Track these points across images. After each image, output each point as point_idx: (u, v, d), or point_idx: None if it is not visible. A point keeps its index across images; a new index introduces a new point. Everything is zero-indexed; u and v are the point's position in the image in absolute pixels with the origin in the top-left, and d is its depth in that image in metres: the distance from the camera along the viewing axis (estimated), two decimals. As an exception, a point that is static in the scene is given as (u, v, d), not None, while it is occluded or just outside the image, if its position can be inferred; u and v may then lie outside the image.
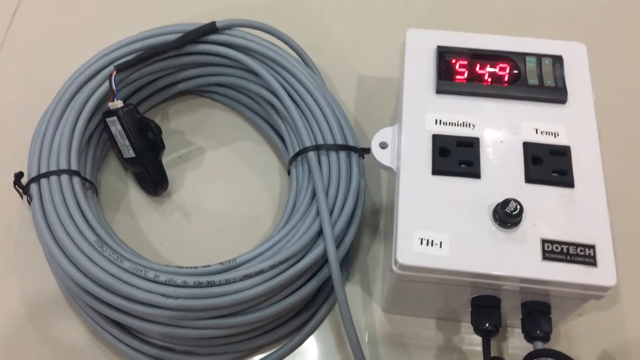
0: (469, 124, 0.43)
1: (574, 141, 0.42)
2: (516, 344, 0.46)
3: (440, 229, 0.39)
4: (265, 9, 0.62)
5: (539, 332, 0.40)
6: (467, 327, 0.46)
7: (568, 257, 0.38)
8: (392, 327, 0.47)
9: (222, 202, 0.52)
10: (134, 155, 0.50)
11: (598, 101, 0.44)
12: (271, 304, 0.43)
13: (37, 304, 0.47)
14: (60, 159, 0.46)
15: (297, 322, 0.46)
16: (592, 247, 0.38)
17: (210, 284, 0.41)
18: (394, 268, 0.39)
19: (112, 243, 0.44)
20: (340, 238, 0.45)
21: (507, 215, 0.38)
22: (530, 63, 0.45)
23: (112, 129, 0.49)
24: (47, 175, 0.46)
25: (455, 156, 0.41)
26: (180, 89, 0.55)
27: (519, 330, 0.42)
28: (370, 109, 0.57)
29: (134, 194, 0.52)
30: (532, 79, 0.44)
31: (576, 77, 0.45)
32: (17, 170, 0.48)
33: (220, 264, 0.42)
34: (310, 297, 0.46)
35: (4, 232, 0.50)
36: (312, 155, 0.47)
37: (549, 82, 0.44)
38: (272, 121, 0.53)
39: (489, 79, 0.44)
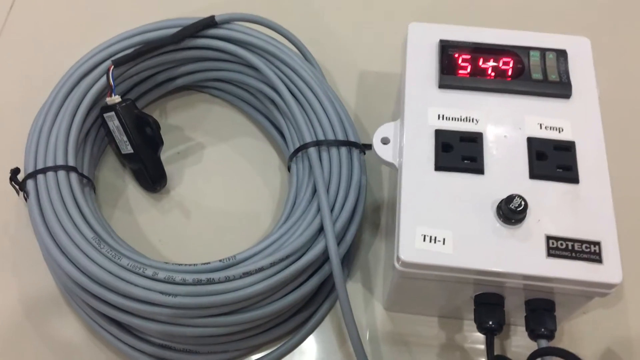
0: (472, 119, 0.42)
1: (579, 136, 0.42)
2: (520, 342, 0.45)
3: (443, 226, 0.39)
4: (265, 2, 0.62)
5: (543, 330, 0.40)
6: (469, 325, 0.45)
7: (573, 254, 0.38)
8: (393, 325, 0.46)
9: (222, 199, 0.52)
10: (132, 151, 0.49)
11: (602, 96, 0.44)
12: (271, 302, 0.42)
13: (34, 302, 0.47)
14: (57, 155, 0.46)
15: (297, 320, 0.45)
16: (598, 243, 0.38)
17: (210, 282, 0.40)
18: (397, 265, 0.38)
19: (110, 240, 0.44)
20: (342, 235, 0.45)
21: (511, 212, 0.38)
22: (534, 57, 0.44)
23: (110, 124, 0.49)
24: (44, 171, 0.45)
25: (459, 152, 0.41)
26: (179, 84, 0.55)
27: (522, 328, 0.41)
28: (371, 105, 0.56)
29: (132, 191, 0.52)
30: (536, 74, 0.44)
31: (580, 71, 0.44)
32: (13, 166, 0.48)
33: (220, 261, 0.42)
34: (311, 295, 0.46)
35: (0, 229, 0.50)
36: (312, 151, 0.46)
37: (553, 76, 0.44)
38: (272, 116, 0.53)
39: (492, 74, 0.44)
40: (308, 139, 0.47)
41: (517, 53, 0.44)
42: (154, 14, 0.54)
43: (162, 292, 0.40)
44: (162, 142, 0.49)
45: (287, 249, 0.42)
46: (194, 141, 0.55)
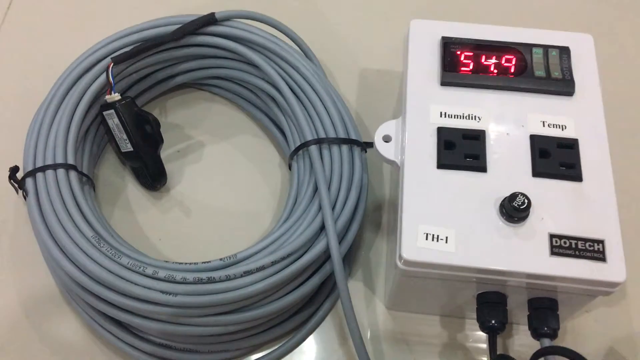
0: (475, 117, 0.42)
1: (582, 134, 0.42)
2: (522, 340, 0.45)
3: (445, 224, 0.38)
4: (265, 0, 0.61)
5: (546, 328, 0.39)
6: (472, 324, 0.45)
7: (577, 253, 0.38)
8: (395, 324, 0.46)
9: (222, 197, 0.51)
10: (131, 149, 0.49)
11: (605, 93, 0.43)
12: (272, 301, 0.42)
13: (34, 301, 0.47)
14: (56, 153, 0.46)
15: (299, 319, 0.45)
16: (601, 242, 0.38)
17: (211, 281, 0.40)
18: (399, 264, 0.38)
19: (110, 239, 0.43)
20: (343, 234, 0.44)
21: (514, 210, 0.37)
22: (537, 54, 0.44)
23: (110, 122, 0.49)
24: (43, 169, 0.45)
25: (461, 149, 0.41)
26: (179, 81, 0.55)
27: (525, 327, 0.41)
28: (372, 102, 0.56)
29: (132, 189, 0.52)
30: (539, 71, 0.43)
31: (583, 68, 0.44)
32: (12, 165, 0.47)
33: (221, 260, 0.42)
34: (312, 294, 0.45)
35: None
36: (313, 149, 0.46)
37: (556, 73, 0.43)
38: (273, 114, 0.52)
39: (495, 71, 0.44)
40: (309, 137, 0.47)
41: (520, 50, 0.44)
42: (154, 11, 0.54)
43: (162, 291, 0.40)
44: (162, 140, 0.49)
45: (288, 248, 0.41)
46: (194, 139, 0.54)
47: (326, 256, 0.44)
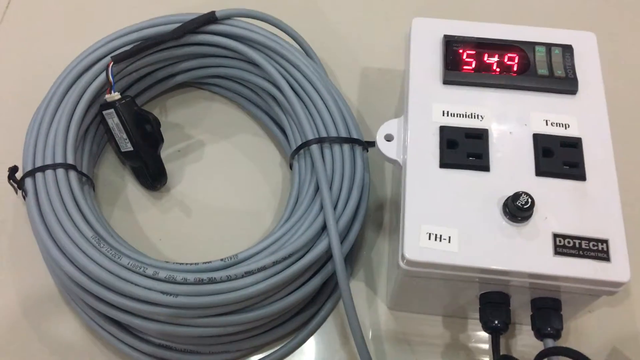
0: (477, 115, 0.42)
1: (586, 133, 0.41)
2: (525, 341, 0.45)
3: (448, 224, 0.38)
4: (266, -1, 0.61)
5: (549, 329, 0.39)
6: (474, 324, 0.45)
7: (580, 252, 0.37)
8: (397, 325, 0.46)
9: (223, 197, 0.51)
10: (131, 149, 0.49)
11: (608, 91, 0.43)
12: (274, 301, 0.42)
13: (33, 302, 0.46)
14: (56, 153, 0.45)
15: (300, 320, 0.45)
16: (605, 241, 0.38)
17: (211, 281, 0.40)
18: (401, 264, 0.38)
19: (110, 239, 0.43)
20: (345, 233, 0.44)
21: (517, 209, 0.37)
22: (540, 53, 0.44)
23: (110, 121, 0.48)
24: (43, 169, 0.45)
25: (464, 148, 0.40)
26: (179, 80, 0.54)
27: (528, 327, 0.41)
28: (373, 101, 0.56)
29: (132, 189, 0.51)
30: (542, 69, 0.43)
31: (586, 67, 0.44)
32: (11, 164, 0.47)
33: (222, 260, 0.41)
34: (313, 294, 0.45)
35: (-1, 228, 0.49)
36: (315, 148, 0.46)
37: (559, 72, 0.43)
38: (274, 113, 0.52)
39: (498, 69, 0.43)
40: (310, 136, 0.47)
41: (523, 48, 0.44)
42: (154, 9, 0.54)
43: (162, 292, 0.39)
44: (162, 140, 0.49)
45: (290, 248, 0.41)
46: (194, 139, 0.54)
47: (328, 256, 0.43)
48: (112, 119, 0.48)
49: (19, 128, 0.49)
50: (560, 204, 0.39)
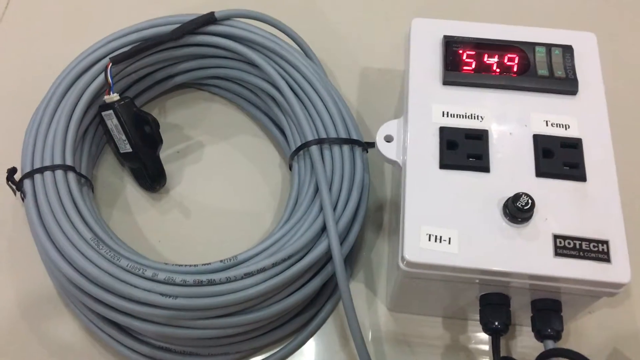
0: (477, 116, 0.42)
1: (586, 133, 0.41)
2: (526, 342, 0.45)
3: (448, 225, 0.38)
4: (265, -1, 0.61)
5: (549, 330, 0.39)
6: (474, 326, 0.45)
7: (581, 253, 0.37)
8: (397, 326, 0.46)
9: (222, 198, 0.51)
10: (130, 150, 0.48)
11: (608, 92, 0.43)
12: (273, 303, 0.42)
13: (31, 304, 0.46)
14: (54, 154, 0.45)
15: (300, 321, 0.45)
16: (606, 242, 0.38)
17: (211, 283, 0.40)
18: (401, 265, 0.38)
19: (109, 241, 0.43)
20: (344, 235, 0.44)
21: (518, 210, 0.37)
22: (540, 53, 0.44)
23: (108, 123, 0.48)
24: (41, 170, 0.45)
25: (464, 149, 0.40)
26: (178, 81, 0.54)
27: (528, 329, 0.41)
28: (373, 102, 0.56)
29: (131, 190, 0.51)
30: (542, 70, 0.43)
31: (587, 67, 0.44)
32: (10, 166, 0.47)
33: (221, 261, 0.41)
34: (313, 296, 0.45)
35: (-3, 229, 0.49)
36: (314, 149, 0.46)
37: (559, 72, 0.43)
38: (273, 114, 0.52)
39: (498, 70, 0.43)
40: (310, 137, 0.47)
41: (523, 49, 0.44)
42: (153, 10, 0.54)
43: (162, 294, 0.39)
44: (161, 141, 0.49)
45: (289, 249, 0.41)
46: (193, 140, 0.54)
47: (327, 257, 0.43)
48: (111, 120, 0.48)
49: (18, 129, 0.49)
50: (560, 205, 0.39)
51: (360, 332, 0.41)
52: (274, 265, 0.41)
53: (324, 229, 0.43)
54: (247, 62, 0.51)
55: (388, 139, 0.43)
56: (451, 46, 0.44)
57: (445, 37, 0.45)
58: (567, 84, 0.43)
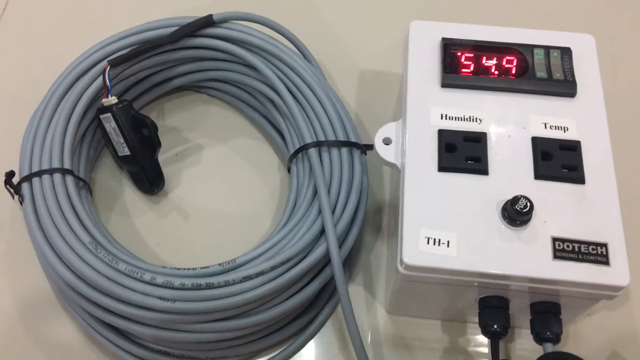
0: (476, 119, 0.42)
1: (584, 136, 0.41)
2: (525, 345, 0.45)
3: (447, 228, 0.38)
4: (264, 1, 0.61)
5: (548, 333, 0.39)
6: (473, 328, 0.45)
7: (580, 256, 0.37)
8: (396, 329, 0.46)
9: (221, 201, 0.51)
10: (129, 153, 0.48)
11: (607, 94, 0.43)
12: (272, 306, 0.42)
13: (30, 307, 0.46)
14: (52, 157, 0.45)
15: (299, 325, 0.45)
16: (605, 245, 0.37)
17: (209, 286, 0.39)
18: (400, 268, 0.38)
19: (107, 244, 0.43)
20: (343, 237, 0.44)
21: (516, 213, 0.37)
22: (539, 55, 0.44)
23: (107, 126, 0.48)
24: (39, 174, 0.44)
25: (462, 152, 0.40)
26: (177, 84, 0.54)
27: (527, 331, 0.41)
28: (371, 104, 0.56)
29: (129, 193, 0.51)
30: (541, 72, 0.43)
31: (585, 69, 0.44)
32: (8, 169, 0.47)
33: (219, 265, 0.41)
34: (312, 299, 0.45)
35: (-5, 233, 0.49)
36: (313, 151, 0.46)
37: (557, 74, 0.43)
38: (271, 117, 0.52)
39: (496, 72, 0.43)
40: (308, 140, 0.46)
41: (521, 51, 0.44)
42: (151, 13, 0.53)
43: (160, 297, 0.39)
44: (159, 144, 0.49)
45: (288, 252, 0.41)
46: (192, 142, 0.54)
47: (326, 260, 0.43)
48: (109, 123, 0.48)
49: (16, 132, 0.49)
50: (559, 208, 0.39)
51: (359, 335, 0.41)
52: (273, 268, 0.40)
53: (322, 231, 0.43)
54: (245, 64, 0.51)
55: (386, 141, 0.43)
56: (449, 48, 0.44)
57: (444, 39, 0.44)
58: (565, 86, 0.43)
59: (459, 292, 0.40)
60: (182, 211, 0.50)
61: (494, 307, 0.40)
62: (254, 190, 0.52)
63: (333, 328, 0.46)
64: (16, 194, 0.46)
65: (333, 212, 0.43)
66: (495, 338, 0.40)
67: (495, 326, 0.39)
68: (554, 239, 0.38)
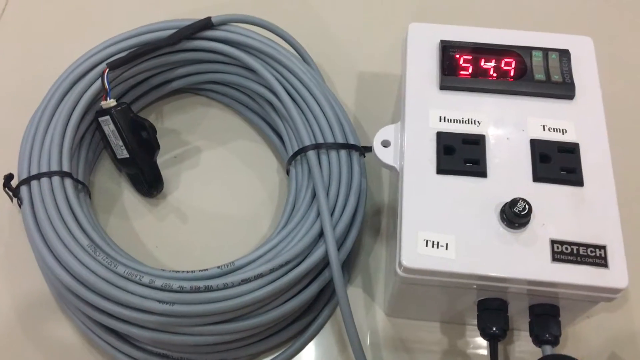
0: (474, 121, 0.42)
1: (583, 138, 0.41)
2: (524, 347, 0.45)
3: (446, 230, 0.38)
4: (262, 4, 0.61)
5: (547, 335, 0.39)
6: (472, 331, 0.45)
7: (578, 259, 0.37)
8: (395, 331, 0.46)
9: (219, 204, 0.51)
10: (127, 155, 0.48)
11: (605, 96, 0.43)
12: (271, 309, 0.42)
13: (28, 310, 0.46)
14: (51, 160, 0.45)
15: (297, 327, 0.45)
16: (603, 247, 0.37)
17: (208, 289, 0.39)
18: (399, 271, 0.38)
19: (106, 247, 0.43)
20: (342, 240, 0.44)
21: (515, 216, 0.37)
22: (537, 57, 0.44)
23: (105, 128, 0.48)
24: (38, 177, 0.44)
25: (461, 154, 0.40)
26: (175, 86, 0.54)
27: (526, 334, 0.41)
28: (370, 106, 0.56)
29: (128, 196, 0.51)
30: (539, 74, 0.43)
31: (583, 71, 0.44)
32: (6, 172, 0.47)
33: (218, 267, 0.41)
34: (311, 301, 0.45)
35: (-6, 235, 0.49)
36: (311, 154, 0.46)
37: (556, 76, 0.43)
38: (270, 119, 0.52)
39: (495, 74, 0.43)
40: (307, 142, 0.46)
41: (519, 53, 0.44)
42: (150, 15, 0.53)
43: (159, 300, 0.39)
44: (158, 146, 0.49)
45: (287, 255, 0.41)
46: (190, 145, 0.54)
47: (325, 263, 0.43)
48: (108, 126, 0.48)
49: (15, 135, 0.49)
50: (557, 210, 0.39)
51: (358, 338, 0.41)
52: (272, 271, 0.40)
53: (321, 234, 0.43)
54: (244, 67, 0.51)
55: (385, 144, 0.43)
56: (448, 51, 0.44)
57: (442, 41, 0.44)
58: (564, 89, 0.43)
59: (457, 294, 0.40)
60: (181, 214, 0.50)
61: (492, 310, 0.40)
62: (252, 192, 0.52)
63: (332, 330, 0.46)
64: (15, 196, 0.46)
65: (332, 214, 0.43)
66: (494, 340, 0.39)
67: (494, 328, 0.39)
68: (553, 242, 0.38)
